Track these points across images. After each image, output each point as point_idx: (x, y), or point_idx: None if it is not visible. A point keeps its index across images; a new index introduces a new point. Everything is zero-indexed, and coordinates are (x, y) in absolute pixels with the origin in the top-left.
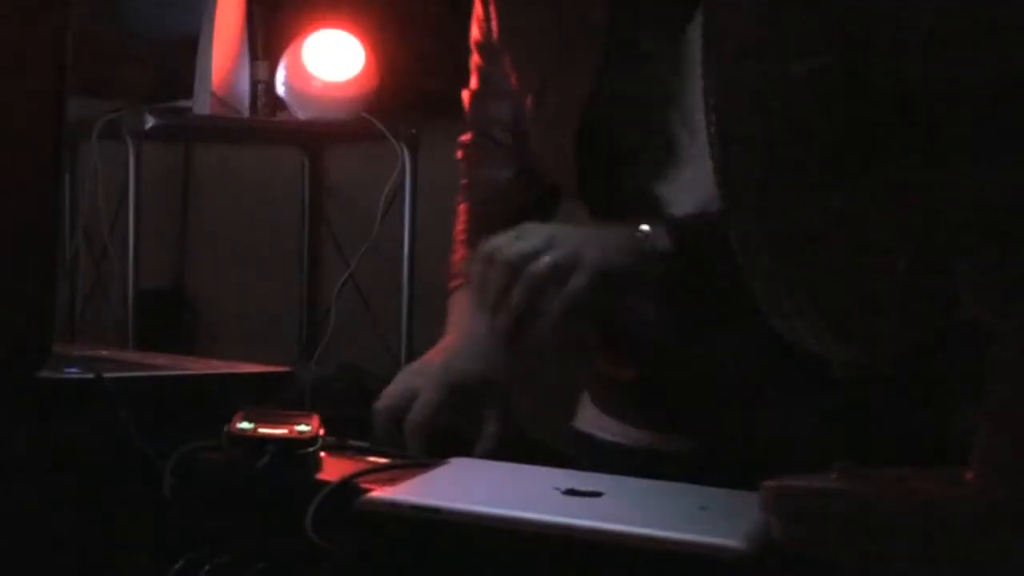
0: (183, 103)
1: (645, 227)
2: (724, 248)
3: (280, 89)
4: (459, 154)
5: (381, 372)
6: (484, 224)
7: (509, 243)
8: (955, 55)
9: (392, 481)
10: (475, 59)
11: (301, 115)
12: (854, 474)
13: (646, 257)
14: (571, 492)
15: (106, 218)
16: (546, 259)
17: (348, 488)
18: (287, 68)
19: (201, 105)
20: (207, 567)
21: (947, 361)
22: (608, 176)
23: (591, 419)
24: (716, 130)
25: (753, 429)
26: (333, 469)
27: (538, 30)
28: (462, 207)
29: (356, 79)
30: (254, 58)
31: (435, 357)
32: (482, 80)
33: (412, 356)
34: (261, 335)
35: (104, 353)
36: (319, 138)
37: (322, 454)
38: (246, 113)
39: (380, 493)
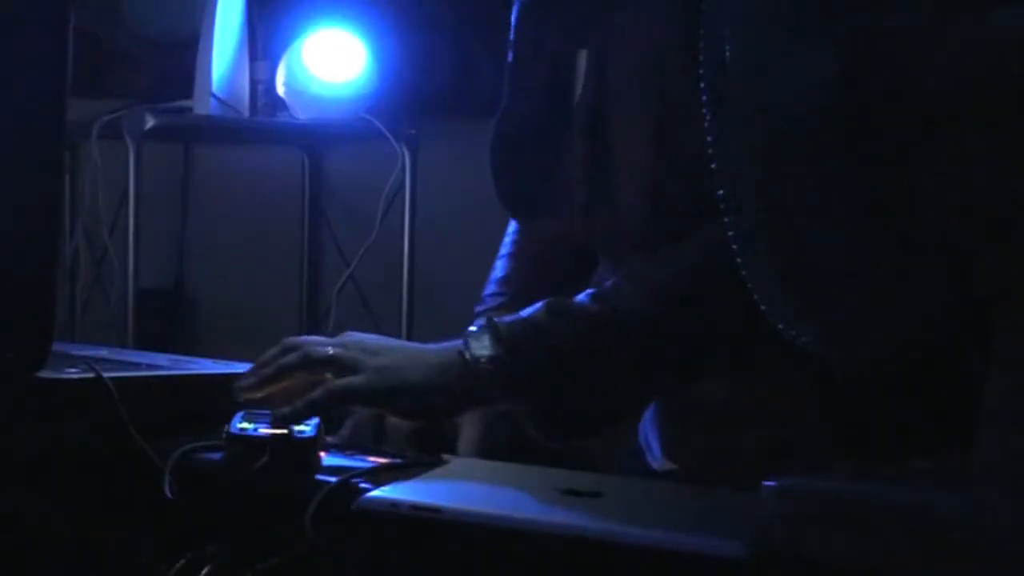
0: (183, 103)
1: (472, 328)
2: (551, 353)
3: (280, 89)
4: None
5: None
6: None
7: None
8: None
9: (392, 481)
10: None
11: (301, 115)
12: (854, 474)
13: (469, 373)
14: (571, 492)
15: (106, 218)
16: (329, 349)
17: (348, 488)
18: (287, 68)
19: (201, 105)
20: (207, 567)
21: (945, 360)
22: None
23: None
24: (717, 134)
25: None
26: (333, 469)
27: None
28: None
29: (356, 79)
30: (254, 58)
31: None
32: None
33: None
34: (261, 335)
35: (104, 353)
36: (319, 138)
37: (322, 454)
38: (246, 113)
39: (380, 493)
